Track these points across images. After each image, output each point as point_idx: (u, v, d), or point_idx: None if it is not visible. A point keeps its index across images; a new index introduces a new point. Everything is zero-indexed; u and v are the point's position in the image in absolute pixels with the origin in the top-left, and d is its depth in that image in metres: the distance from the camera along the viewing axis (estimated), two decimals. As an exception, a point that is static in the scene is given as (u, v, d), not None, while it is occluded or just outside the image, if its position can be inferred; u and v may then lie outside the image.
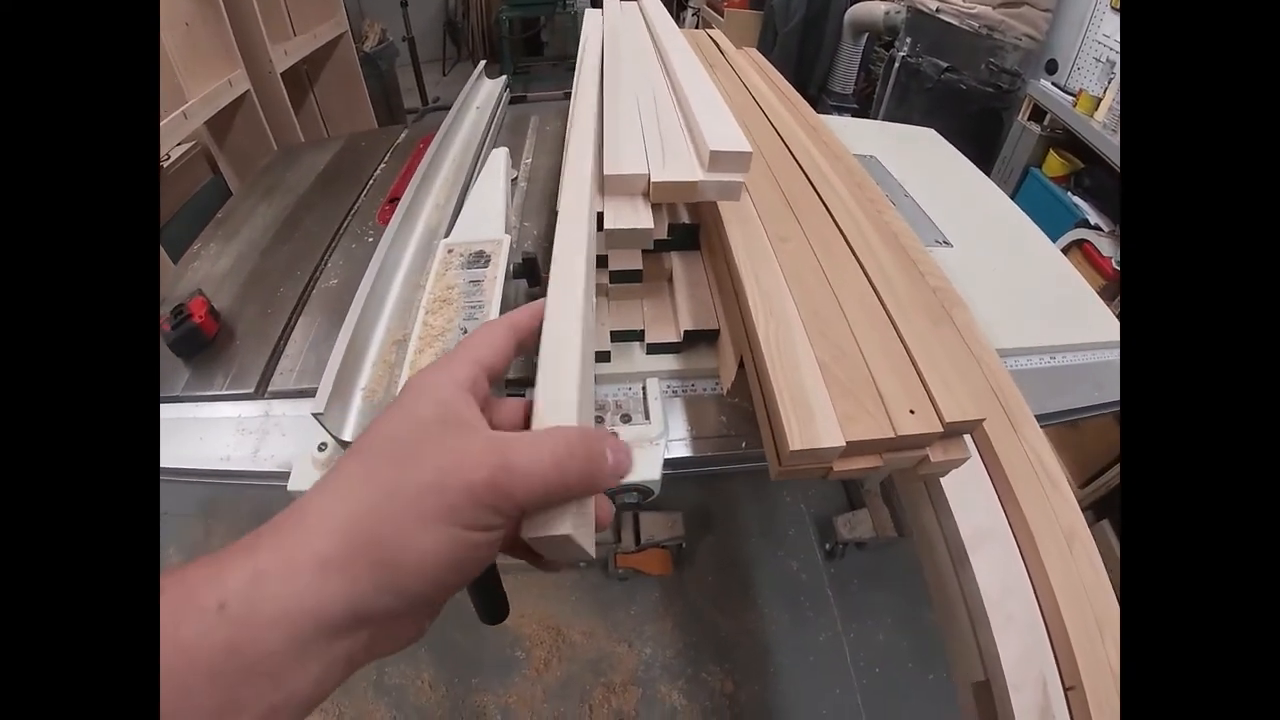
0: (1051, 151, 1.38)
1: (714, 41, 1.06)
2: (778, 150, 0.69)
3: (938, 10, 1.42)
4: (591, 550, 0.24)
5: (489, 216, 0.72)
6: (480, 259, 0.65)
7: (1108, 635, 0.40)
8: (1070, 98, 1.30)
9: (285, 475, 0.57)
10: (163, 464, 0.64)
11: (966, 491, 0.49)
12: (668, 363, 0.61)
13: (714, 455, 0.59)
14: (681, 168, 0.46)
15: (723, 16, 2.59)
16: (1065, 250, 1.35)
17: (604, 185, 0.47)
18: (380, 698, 1.14)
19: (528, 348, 0.31)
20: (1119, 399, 0.75)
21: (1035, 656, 0.40)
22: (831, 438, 0.37)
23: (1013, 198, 1.47)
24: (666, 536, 1.25)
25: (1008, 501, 0.48)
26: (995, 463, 0.50)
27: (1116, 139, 1.23)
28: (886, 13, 1.66)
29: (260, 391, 0.67)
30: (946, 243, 0.89)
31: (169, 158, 1.56)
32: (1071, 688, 0.39)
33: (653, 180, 0.45)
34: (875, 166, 1.05)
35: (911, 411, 0.39)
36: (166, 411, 0.68)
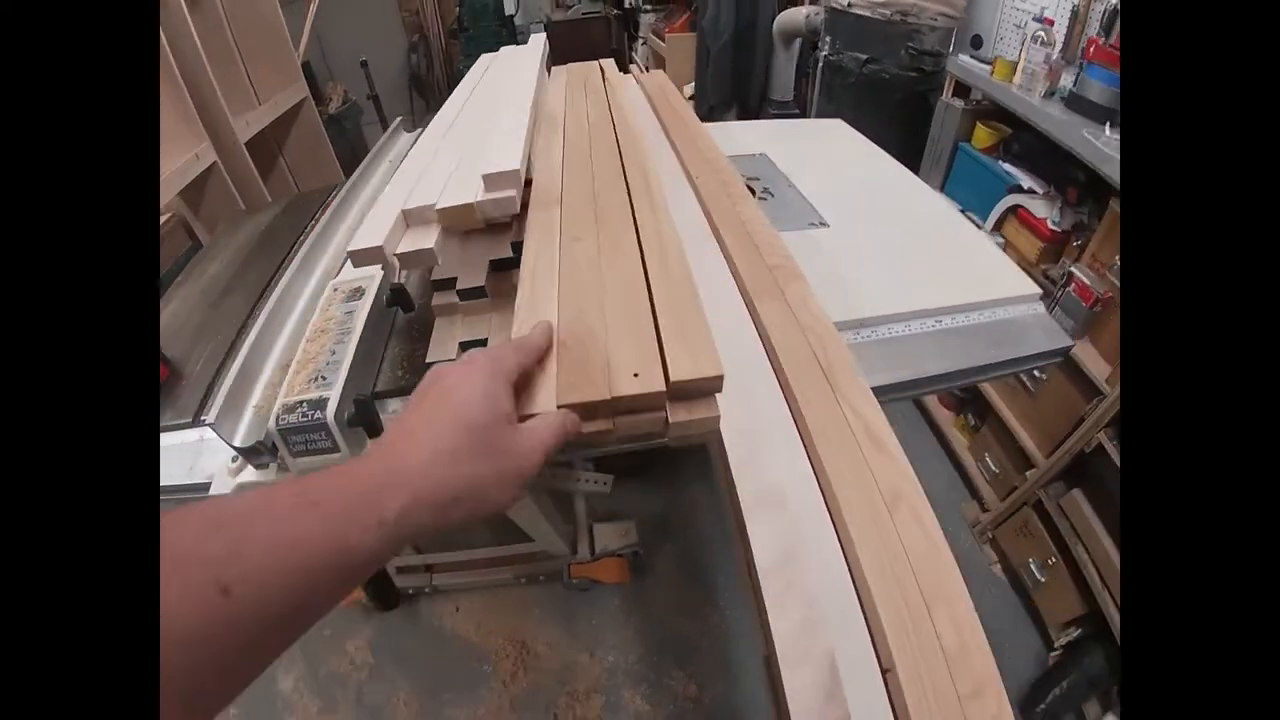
0: (978, 123, 1.48)
1: (601, 70, 1.23)
2: (611, 166, 0.83)
3: (849, 5, 1.55)
4: None
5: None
6: (357, 294, 0.81)
7: (940, 610, 0.38)
8: (987, 67, 1.41)
9: (209, 485, 0.73)
10: None
11: (760, 455, 0.51)
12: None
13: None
14: (462, 193, 0.61)
15: (664, 42, 2.79)
16: (1001, 218, 1.44)
17: (407, 219, 0.63)
18: (361, 716, 1.29)
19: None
20: (1024, 355, 0.81)
21: (822, 630, 0.37)
22: (544, 405, 0.45)
23: (946, 176, 1.57)
24: (620, 545, 1.38)
25: (816, 464, 0.50)
26: (805, 427, 0.53)
27: (1033, 98, 1.32)
28: (807, 16, 1.80)
29: (195, 421, 0.84)
30: (823, 224, 0.99)
31: (148, 232, 1.81)
32: (888, 670, 0.37)
33: (436, 208, 0.60)
34: (763, 163, 1.18)
35: (635, 375, 0.47)
36: None
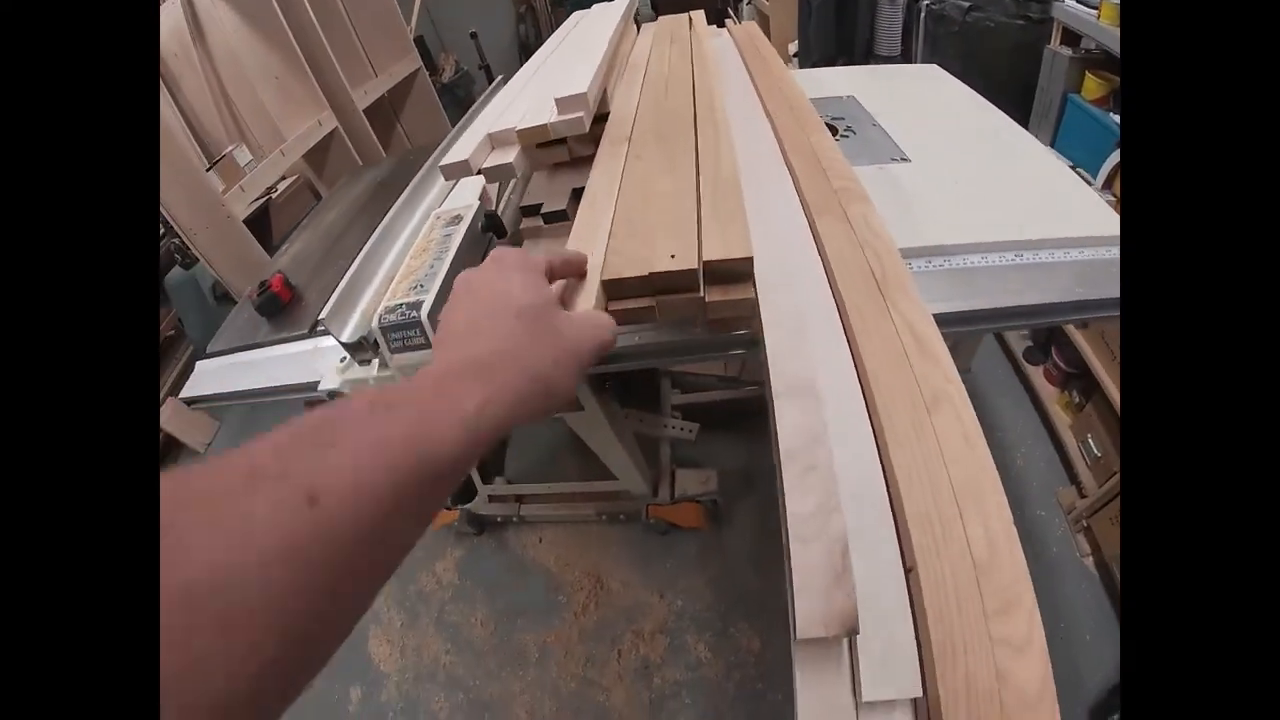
0: (1088, 73, 1.41)
1: (689, 20, 1.29)
2: (683, 99, 0.90)
3: (953, -52, 1.52)
4: None
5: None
6: (456, 220, 0.93)
7: (973, 515, 0.37)
8: (1093, 11, 1.35)
9: (318, 383, 0.87)
10: (245, 387, 0.98)
11: (800, 348, 0.53)
12: (588, 279, 0.84)
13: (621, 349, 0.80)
14: (538, 117, 0.70)
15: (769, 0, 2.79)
16: (1112, 174, 1.37)
17: (493, 141, 0.73)
18: (440, 632, 1.44)
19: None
20: (1113, 297, 0.76)
21: (837, 516, 0.37)
22: (590, 282, 0.53)
23: (1055, 130, 1.52)
24: (700, 491, 1.45)
25: (858, 361, 0.52)
26: (850, 327, 0.56)
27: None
28: (909, -38, 1.77)
29: (311, 332, 1.00)
30: (904, 159, 1.00)
31: (276, 190, 2.06)
32: (910, 569, 0.37)
33: (516, 129, 0.70)
34: (850, 104, 1.20)
35: (672, 256, 0.53)
36: (251, 355, 1.03)
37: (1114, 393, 1.41)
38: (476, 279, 0.42)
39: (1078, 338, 1.50)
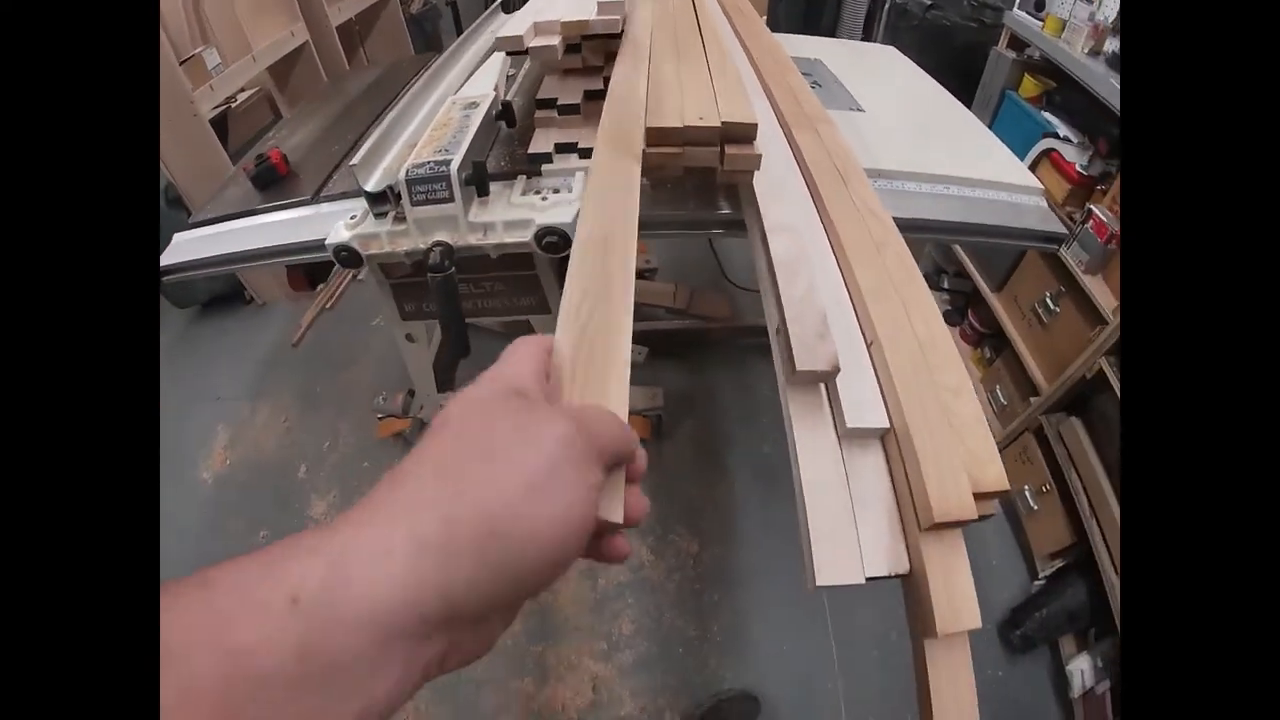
0: (1026, 75, 1.66)
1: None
2: (689, 26, 1.07)
3: (918, -49, 1.77)
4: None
5: (488, 72, 1.13)
6: (472, 105, 1.06)
7: (915, 312, 0.51)
8: (1039, 22, 1.61)
9: (323, 242, 0.93)
10: (244, 248, 1.05)
11: (783, 204, 0.69)
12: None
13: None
14: (580, 12, 0.86)
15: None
16: (1036, 160, 1.64)
17: (536, 29, 0.87)
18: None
19: None
20: (1017, 227, 1.01)
21: (818, 298, 0.50)
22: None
23: (992, 119, 1.78)
24: (646, 406, 1.62)
25: (825, 220, 0.68)
26: (819, 196, 0.73)
27: (1073, 51, 1.52)
28: (878, -45, 2.02)
29: (314, 198, 1.09)
30: (859, 109, 1.21)
31: (236, 100, 2.10)
32: (871, 342, 0.50)
33: (561, 20, 0.85)
34: (817, 65, 1.39)
35: (700, 118, 0.71)
36: (246, 221, 1.09)
37: (1020, 346, 1.68)
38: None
39: (992, 300, 1.76)
